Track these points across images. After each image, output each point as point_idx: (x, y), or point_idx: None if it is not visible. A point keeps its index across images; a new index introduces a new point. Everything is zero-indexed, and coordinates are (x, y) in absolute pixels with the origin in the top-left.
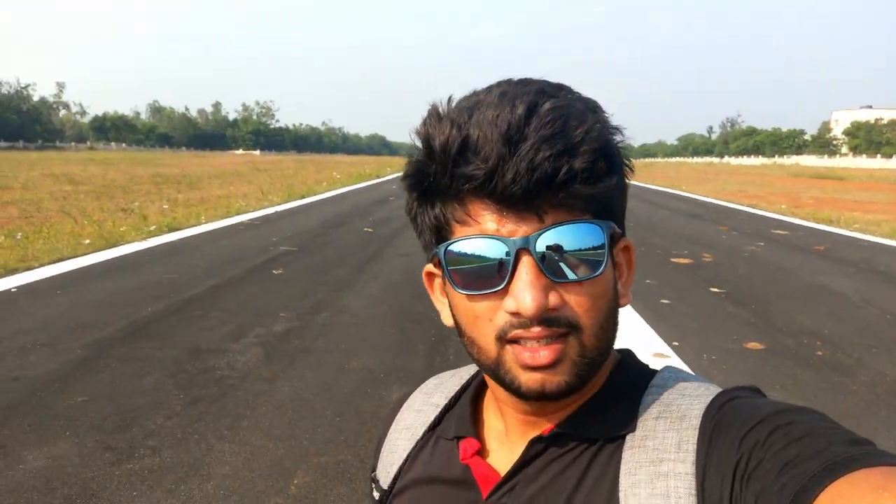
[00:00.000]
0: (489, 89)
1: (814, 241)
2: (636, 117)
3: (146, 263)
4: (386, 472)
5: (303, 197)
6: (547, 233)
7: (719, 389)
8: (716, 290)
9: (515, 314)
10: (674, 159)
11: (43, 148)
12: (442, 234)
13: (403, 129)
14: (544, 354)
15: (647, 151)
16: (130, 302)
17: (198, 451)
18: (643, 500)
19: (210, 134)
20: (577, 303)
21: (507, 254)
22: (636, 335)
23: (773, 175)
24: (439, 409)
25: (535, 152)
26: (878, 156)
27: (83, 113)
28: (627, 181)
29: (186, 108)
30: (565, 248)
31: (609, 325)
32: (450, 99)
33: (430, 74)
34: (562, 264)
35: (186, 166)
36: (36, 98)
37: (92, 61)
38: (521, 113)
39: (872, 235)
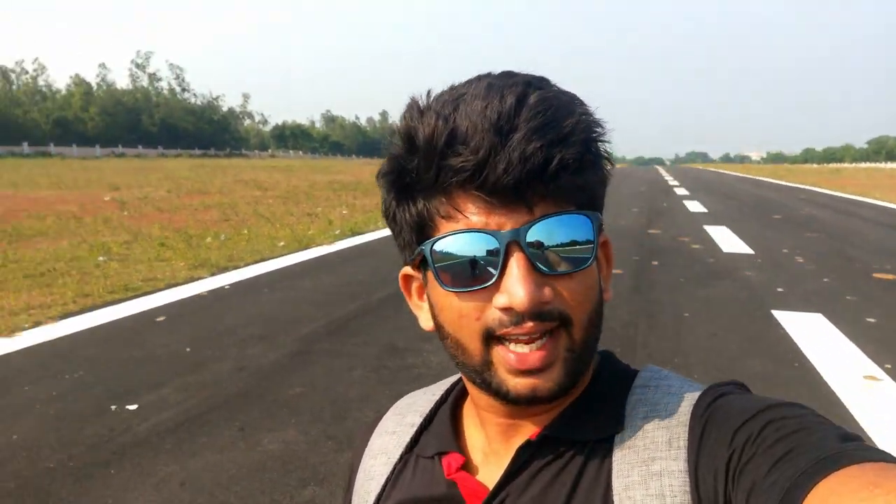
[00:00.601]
0: (470, 82)
1: None
2: (817, 119)
3: (338, 265)
4: (363, 501)
5: None
6: (537, 225)
7: (704, 386)
8: None
9: (507, 310)
10: (863, 164)
11: (231, 155)
12: (425, 231)
13: None
14: (535, 358)
15: (833, 155)
16: (328, 301)
17: None
18: (638, 501)
19: (378, 141)
20: (568, 295)
21: (497, 247)
22: (842, 355)
23: None
24: (415, 428)
25: (526, 142)
26: None
27: (265, 122)
28: (608, 176)
29: (356, 117)
30: (555, 240)
31: (597, 320)
32: (429, 92)
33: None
34: (552, 257)
35: (358, 173)
36: (225, 109)
37: (273, 74)
38: (511, 103)
39: None
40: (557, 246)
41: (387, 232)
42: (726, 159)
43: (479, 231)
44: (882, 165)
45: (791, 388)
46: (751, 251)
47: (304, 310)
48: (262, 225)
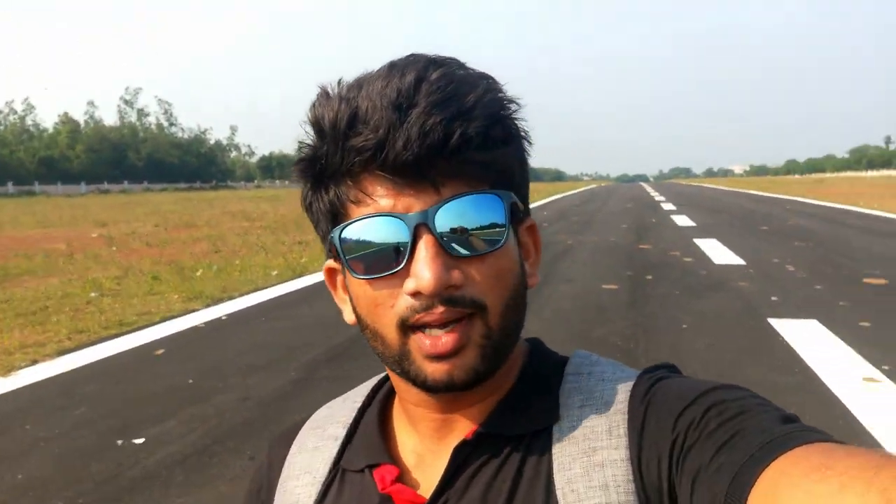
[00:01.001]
0: (380, 68)
1: None
2: (799, 130)
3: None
4: None
5: None
6: (445, 206)
7: (637, 371)
8: None
9: (416, 294)
10: (845, 174)
11: (217, 187)
12: (338, 219)
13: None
14: (446, 341)
15: (815, 165)
16: (327, 327)
17: None
18: (581, 494)
19: None
20: (480, 279)
21: (405, 232)
22: (840, 359)
23: None
24: (339, 442)
25: (426, 116)
26: None
27: (251, 154)
28: (528, 155)
29: None
30: (465, 221)
31: (516, 306)
32: (339, 81)
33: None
34: (462, 239)
35: None
36: (212, 141)
37: (261, 105)
38: (410, 80)
39: None
40: (467, 228)
41: None
42: (710, 174)
43: (385, 215)
44: (863, 174)
45: (793, 395)
46: (742, 262)
47: (303, 337)
48: (253, 255)
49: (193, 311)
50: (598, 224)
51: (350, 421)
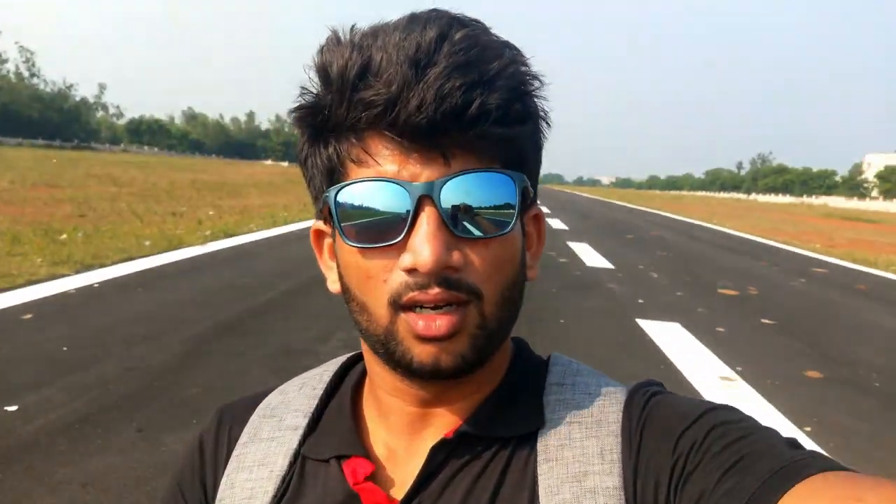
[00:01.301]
0: (399, 18)
1: (854, 280)
2: (665, 149)
3: (214, 266)
4: None
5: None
6: (454, 180)
7: (622, 386)
8: (767, 321)
9: (412, 271)
10: (700, 193)
11: (79, 148)
12: (335, 177)
13: None
14: (441, 324)
15: (675, 183)
16: (211, 302)
17: None
18: None
19: (241, 143)
20: (480, 265)
21: (408, 201)
22: (699, 359)
23: (802, 214)
24: (300, 432)
25: (444, 79)
26: None
27: (120, 115)
28: (544, 137)
29: (221, 116)
30: (473, 199)
31: (512, 298)
32: (353, 27)
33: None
34: (467, 218)
35: (223, 173)
36: (77, 98)
37: (132, 64)
38: (432, 36)
39: None
40: (473, 207)
41: (264, 235)
42: (580, 182)
43: (389, 181)
44: (715, 195)
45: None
46: (611, 266)
47: (186, 311)
48: (123, 223)
49: (62, 276)
50: None
51: (311, 410)
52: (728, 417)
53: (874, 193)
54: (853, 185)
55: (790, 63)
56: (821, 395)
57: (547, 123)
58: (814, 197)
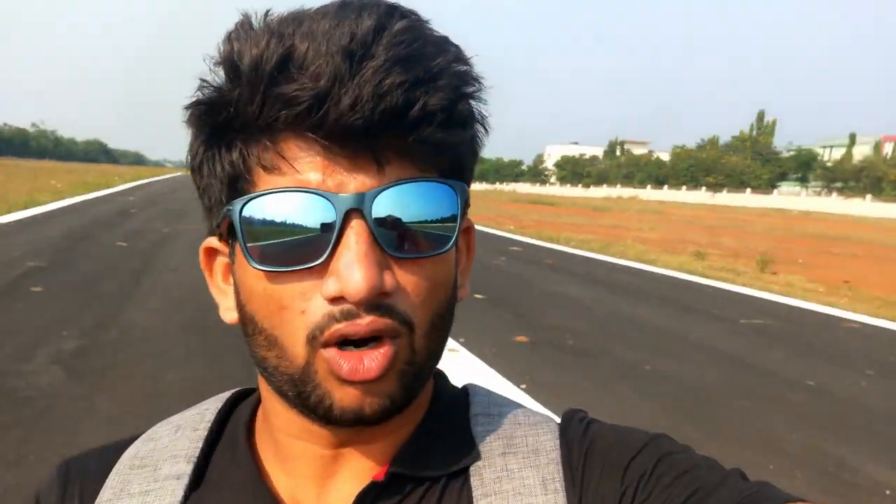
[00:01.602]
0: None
1: (543, 255)
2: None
3: None
4: None
5: (26, 207)
6: (389, 190)
7: (546, 414)
8: (479, 296)
9: (338, 300)
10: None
11: None
12: (239, 185)
13: (126, 136)
14: (371, 366)
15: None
16: None
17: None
18: None
19: None
20: (413, 289)
21: (332, 216)
22: None
23: (497, 200)
24: (184, 482)
25: (384, 74)
26: (580, 185)
27: None
28: (481, 144)
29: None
30: (409, 213)
31: (443, 325)
32: (267, 12)
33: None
34: (402, 235)
35: None
36: None
37: None
38: (370, 25)
39: (586, 251)
40: (411, 221)
41: None
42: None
43: (309, 192)
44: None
45: None
46: None
47: None
48: None
49: None
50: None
51: (196, 454)
52: (672, 448)
53: (553, 180)
54: (537, 173)
55: (487, 64)
56: (529, 356)
57: (485, 129)
58: (505, 184)
